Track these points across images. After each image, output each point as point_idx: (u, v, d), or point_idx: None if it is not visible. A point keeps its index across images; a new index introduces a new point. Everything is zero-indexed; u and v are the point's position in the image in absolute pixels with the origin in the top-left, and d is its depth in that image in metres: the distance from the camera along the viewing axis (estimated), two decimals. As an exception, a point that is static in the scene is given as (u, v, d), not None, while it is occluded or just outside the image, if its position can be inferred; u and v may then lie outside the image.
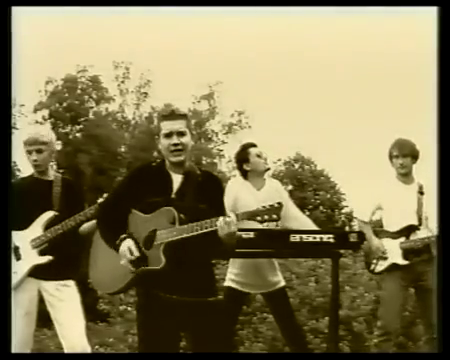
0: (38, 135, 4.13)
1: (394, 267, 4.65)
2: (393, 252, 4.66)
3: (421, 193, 4.71)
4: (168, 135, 3.24)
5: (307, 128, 33.42)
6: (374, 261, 4.74)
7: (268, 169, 4.82)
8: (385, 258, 4.66)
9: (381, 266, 4.72)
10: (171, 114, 3.26)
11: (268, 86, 35.35)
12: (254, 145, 4.78)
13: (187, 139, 3.26)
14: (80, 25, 27.50)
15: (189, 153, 3.31)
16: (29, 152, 4.09)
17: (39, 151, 4.09)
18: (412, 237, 4.65)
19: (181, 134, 3.24)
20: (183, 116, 3.28)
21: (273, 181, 4.86)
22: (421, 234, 4.66)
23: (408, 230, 4.67)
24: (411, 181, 4.77)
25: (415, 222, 4.68)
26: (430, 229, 4.66)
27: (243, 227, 4.11)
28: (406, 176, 4.75)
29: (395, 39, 29.10)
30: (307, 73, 34.65)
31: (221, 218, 3.06)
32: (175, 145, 3.22)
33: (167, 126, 3.25)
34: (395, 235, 4.67)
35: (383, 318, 4.72)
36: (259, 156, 4.71)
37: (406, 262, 4.63)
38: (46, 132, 4.24)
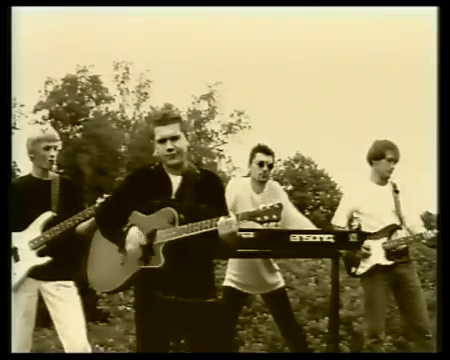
0: (55, 132, 4.16)
1: (377, 268, 4.62)
2: (375, 253, 4.62)
3: (396, 192, 4.73)
4: (162, 141, 3.22)
5: (307, 128, 33.45)
6: (357, 258, 4.67)
7: (264, 182, 4.63)
8: (368, 255, 4.61)
9: (363, 268, 4.68)
10: (163, 119, 3.23)
11: (268, 86, 35.38)
12: (264, 151, 4.60)
13: (181, 142, 3.23)
14: (80, 25, 27.63)
15: (186, 154, 3.29)
16: (47, 148, 4.07)
17: (56, 148, 4.10)
18: (394, 237, 4.64)
19: (174, 138, 3.21)
20: (176, 119, 3.25)
21: (272, 183, 4.81)
22: (401, 234, 4.65)
23: (390, 230, 4.65)
24: (385, 182, 4.79)
25: (396, 222, 4.67)
26: (409, 228, 4.67)
27: (243, 227, 4.12)
28: (385, 179, 4.78)
29: (395, 39, 29.15)
30: (307, 73, 34.71)
31: (222, 218, 3.05)
32: (169, 150, 3.20)
33: (160, 132, 3.22)
34: (376, 236, 4.62)
35: (369, 320, 4.70)
36: (260, 165, 4.57)
37: (390, 262, 4.61)
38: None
